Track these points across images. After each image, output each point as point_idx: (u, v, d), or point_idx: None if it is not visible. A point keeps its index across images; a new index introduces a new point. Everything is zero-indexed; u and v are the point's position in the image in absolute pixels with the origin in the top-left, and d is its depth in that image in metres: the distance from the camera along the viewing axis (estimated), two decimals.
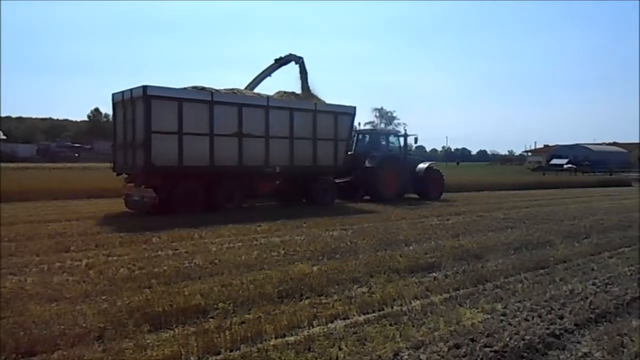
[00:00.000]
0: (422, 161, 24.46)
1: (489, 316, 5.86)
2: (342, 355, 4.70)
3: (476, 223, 13.97)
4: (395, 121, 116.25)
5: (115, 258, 8.67)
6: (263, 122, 17.29)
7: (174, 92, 15.70)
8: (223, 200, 16.33)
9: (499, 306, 6.25)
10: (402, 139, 24.15)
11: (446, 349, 4.88)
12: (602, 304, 6.45)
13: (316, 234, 11.56)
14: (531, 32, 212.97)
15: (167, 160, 15.18)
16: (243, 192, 17.25)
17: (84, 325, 5.23)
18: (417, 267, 8.27)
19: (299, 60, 21.52)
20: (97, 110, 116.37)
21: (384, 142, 23.75)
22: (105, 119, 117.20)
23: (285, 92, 20.12)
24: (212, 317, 5.66)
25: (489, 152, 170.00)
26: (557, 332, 5.41)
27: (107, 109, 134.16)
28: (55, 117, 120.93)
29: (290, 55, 21.54)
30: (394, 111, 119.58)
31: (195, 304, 5.97)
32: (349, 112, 20.17)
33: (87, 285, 6.82)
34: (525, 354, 4.88)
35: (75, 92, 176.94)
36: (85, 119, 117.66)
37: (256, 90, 20.15)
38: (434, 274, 7.92)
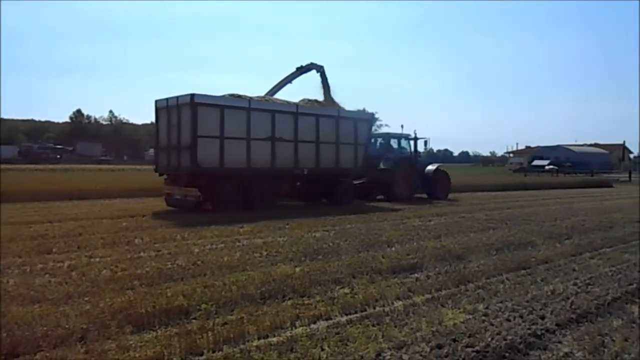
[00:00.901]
0: (430, 163, 25.75)
1: (470, 316, 5.91)
2: (324, 356, 4.72)
3: (458, 224, 14.06)
4: (378, 122, 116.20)
5: (97, 259, 8.60)
6: (293, 128, 18.56)
7: (216, 99, 17.11)
8: (257, 200, 17.29)
9: (480, 306, 6.31)
10: (412, 142, 25.16)
11: (428, 349, 4.91)
12: (583, 304, 6.53)
13: (299, 235, 11.56)
14: (513, 35, 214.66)
15: (211, 162, 16.38)
16: (275, 192, 18.52)
17: (67, 326, 5.20)
18: (400, 268, 8.31)
19: (320, 69, 22.65)
20: (79, 111, 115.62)
21: (395, 146, 24.85)
22: (87, 121, 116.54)
23: (309, 100, 21.33)
24: (194, 318, 5.65)
25: (471, 154, 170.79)
26: (539, 332, 5.47)
27: (88, 110, 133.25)
28: (37, 119, 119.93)
29: (312, 64, 22.64)
30: (376, 112, 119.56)
31: (178, 305, 5.95)
32: (367, 119, 22.13)
33: (69, 286, 6.76)
34: (506, 354, 4.93)
35: (57, 94, 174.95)
36: (68, 120, 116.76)
37: (277, 96, 21.25)
38: (416, 275, 7.97)
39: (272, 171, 17.96)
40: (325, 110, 20.72)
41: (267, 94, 21.14)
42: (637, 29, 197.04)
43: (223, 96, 17.76)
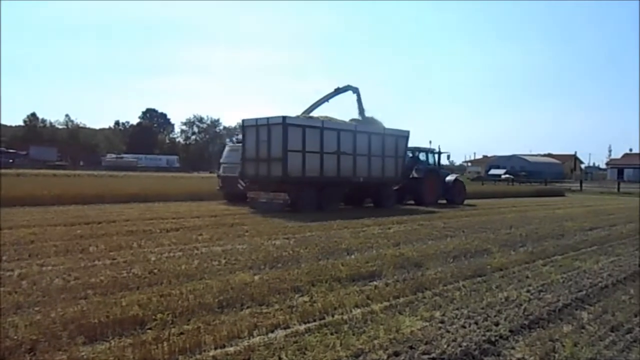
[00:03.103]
0: (449, 173, 29.93)
1: (427, 324, 5.97)
2: None
3: (417, 232, 14.21)
4: None
5: (49, 268, 8.36)
6: (352, 143, 22.14)
7: (299, 120, 21.36)
8: (327, 202, 20.96)
9: (437, 314, 6.38)
10: (436, 155, 29.08)
11: (385, 357, 4.94)
12: (536, 310, 6.67)
13: (258, 243, 11.49)
14: (468, 46, 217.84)
15: (296, 172, 19.98)
16: (340, 196, 22.42)
17: (15, 337, 5.04)
18: (359, 276, 8.34)
19: (356, 90, 25.92)
20: (33, 114, 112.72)
21: (423, 158, 28.31)
22: (42, 124, 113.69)
23: (356, 119, 25.34)
24: (150, 328, 5.55)
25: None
26: (493, 339, 5.55)
27: (43, 113, 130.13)
28: None
29: (348, 86, 25.90)
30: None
31: (133, 315, 5.84)
32: (405, 135, 24.98)
33: (19, 296, 6.55)
34: None
35: (10, 96, 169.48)
36: (21, 124, 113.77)
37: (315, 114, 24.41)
38: (374, 283, 8.01)
39: (337, 179, 21.59)
40: (374, 128, 24.22)
41: (304, 112, 23.98)
42: (589, 41, 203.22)
43: (298, 117, 22.05)
